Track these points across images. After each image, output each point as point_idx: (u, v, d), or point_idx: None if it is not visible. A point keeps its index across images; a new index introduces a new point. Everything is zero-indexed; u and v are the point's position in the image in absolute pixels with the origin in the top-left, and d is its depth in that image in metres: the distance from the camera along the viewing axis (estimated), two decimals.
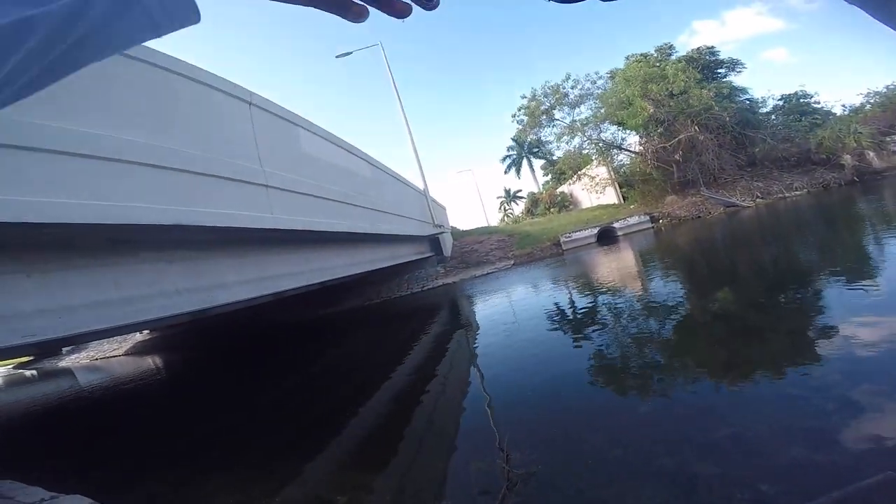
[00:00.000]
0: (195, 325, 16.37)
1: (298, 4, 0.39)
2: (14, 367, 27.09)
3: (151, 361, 14.13)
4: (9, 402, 10.58)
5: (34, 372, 21.08)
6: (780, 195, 17.82)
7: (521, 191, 47.08)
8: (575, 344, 4.84)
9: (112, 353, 20.88)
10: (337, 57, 17.18)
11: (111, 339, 20.87)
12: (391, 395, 4.71)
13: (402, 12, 0.40)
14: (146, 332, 20.16)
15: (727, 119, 18.59)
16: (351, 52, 17.18)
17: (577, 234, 17.37)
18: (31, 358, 26.50)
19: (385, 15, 0.40)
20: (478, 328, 7.20)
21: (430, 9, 0.41)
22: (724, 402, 2.78)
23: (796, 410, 2.44)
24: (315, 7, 0.39)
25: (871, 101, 32.10)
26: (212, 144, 4.06)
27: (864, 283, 4.57)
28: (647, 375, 3.55)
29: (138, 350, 19.76)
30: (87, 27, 0.29)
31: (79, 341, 16.35)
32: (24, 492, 2.60)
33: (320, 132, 7.35)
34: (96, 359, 21.25)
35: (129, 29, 0.32)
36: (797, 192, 17.81)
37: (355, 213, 8.30)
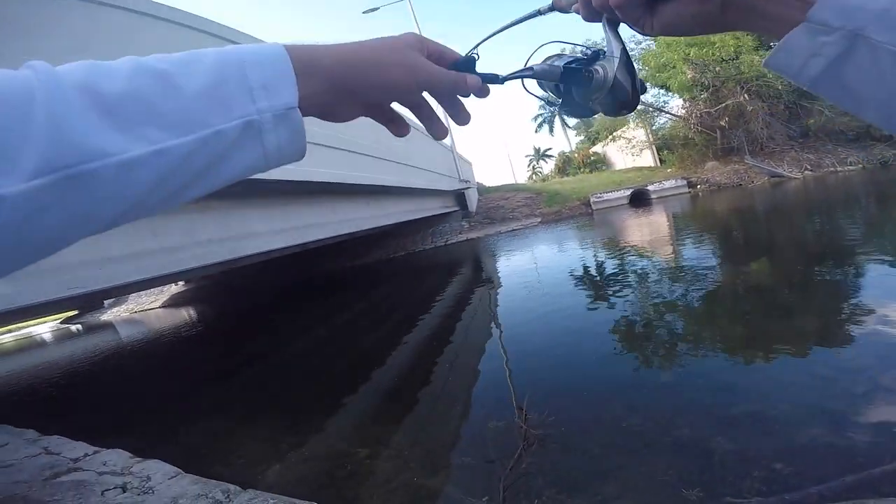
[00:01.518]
0: (226, 276, 17.15)
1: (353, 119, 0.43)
2: (61, 322, 28.36)
3: (186, 314, 14.93)
4: (56, 357, 11.43)
5: (79, 326, 22.11)
6: (832, 169, 16.46)
7: (550, 149, 45.38)
8: (598, 307, 4.78)
9: (150, 306, 21.91)
10: (364, 13, 16.43)
11: (149, 291, 21.83)
12: (413, 349, 4.87)
13: (440, 133, 0.51)
14: (181, 283, 21.01)
15: (781, 87, 16.99)
16: (378, 8, 16.40)
17: (609, 195, 16.80)
18: (75, 312, 27.71)
19: None
20: (500, 285, 7.24)
21: (482, 96, 0.44)
22: (747, 377, 2.74)
23: (821, 391, 2.39)
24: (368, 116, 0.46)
25: None
26: None
27: None
28: (671, 344, 3.51)
29: (175, 302, 20.70)
30: (211, 160, 0.31)
31: (120, 293, 17.25)
32: (68, 446, 2.84)
33: None
34: (135, 311, 22.30)
35: (242, 167, 0.33)
36: (851, 168, 16.36)
37: (383, 167, 8.24)
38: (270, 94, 0.31)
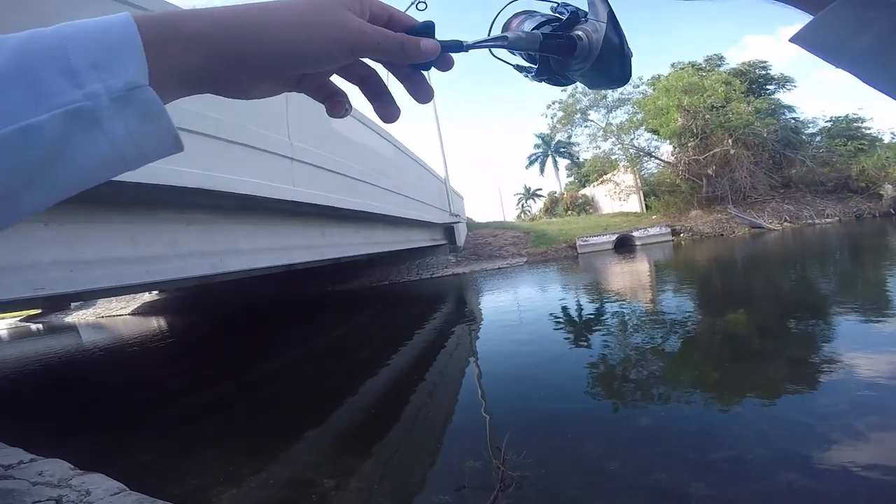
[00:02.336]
0: (204, 289, 16.73)
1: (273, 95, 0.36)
2: (21, 320, 27.44)
3: (156, 324, 14.44)
4: (9, 357, 10.88)
5: (40, 326, 21.41)
6: (810, 221, 17.24)
7: (540, 189, 46.57)
8: (579, 349, 4.81)
9: (119, 312, 21.24)
10: None
11: (120, 297, 21.21)
12: (389, 380, 4.75)
13: (391, 115, 0.40)
14: (155, 292, 20.49)
15: (766, 136, 17.81)
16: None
17: (595, 238, 17.13)
18: (38, 311, 26.74)
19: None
20: (482, 322, 7.18)
21: (445, 69, 0.38)
22: (725, 421, 2.75)
23: (796, 437, 2.42)
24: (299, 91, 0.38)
25: None
26: (243, 113, 4.08)
27: (877, 318, 4.53)
28: (649, 388, 3.51)
29: (146, 310, 20.11)
30: (30, 162, 0.25)
31: (88, 297, 16.74)
32: (2, 452, 2.64)
33: (353, 111, 7.34)
34: (102, 316, 21.57)
35: (90, 166, 0.27)
36: (828, 220, 17.20)
37: (376, 194, 8.32)
38: (103, 73, 0.25)
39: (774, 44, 76.98)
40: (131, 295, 21.05)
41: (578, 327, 5.88)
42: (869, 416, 2.51)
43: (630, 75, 0.39)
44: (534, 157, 42.41)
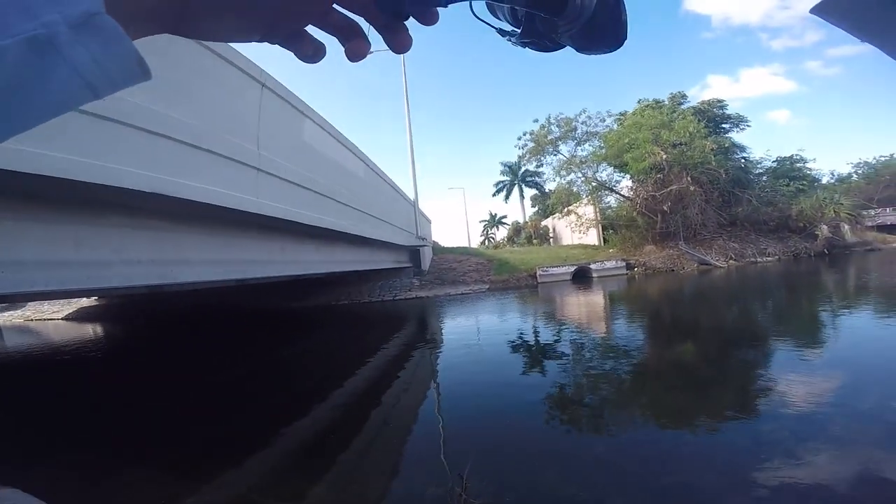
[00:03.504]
0: (150, 297, 15.68)
1: (244, 42, 0.35)
2: None
3: (92, 330, 13.34)
4: None
5: None
6: (752, 259, 18.57)
7: (505, 217, 47.75)
8: (535, 375, 4.90)
9: (52, 316, 19.94)
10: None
11: (54, 300, 19.77)
12: (345, 400, 4.57)
13: (360, 53, 0.36)
14: (94, 297, 19.18)
15: (721, 175, 18.67)
16: (372, 52, 17.32)
17: (554, 269, 17.61)
18: None
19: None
20: (442, 346, 7.13)
21: (428, 23, 0.36)
22: (676, 447, 2.86)
23: (744, 461, 2.52)
24: (268, 42, 0.35)
25: (859, 171, 34.21)
26: (211, 118, 3.95)
27: (809, 348, 5.06)
28: (604, 415, 3.62)
29: (81, 316, 18.81)
30: None
31: (20, 300, 15.39)
32: None
33: (326, 126, 7.29)
34: (31, 319, 20.20)
35: (56, 92, 0.27)
36: (768, 259, 18.60)
37: (343, 211, 8.20)
38: (59, 4, 0.26)
39: (732, 84, 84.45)
40: (66, 299, 19.64)
41: (537, 355, 5.96)
42: (808, 441, 2.68)
43: (625, 39, 0.36)
44: (500, 184, 43.56)
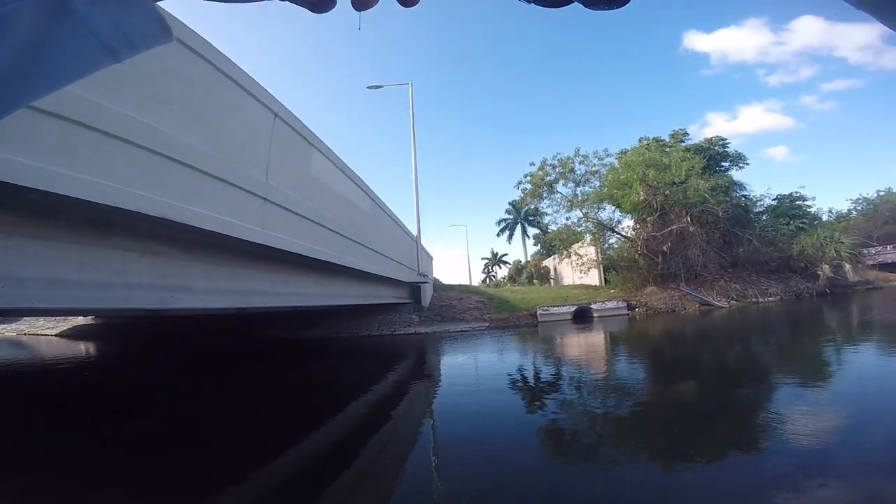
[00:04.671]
0: (147, 319, 15.48)
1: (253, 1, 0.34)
2: None
3: (84, 348, 13.08)
4: None
5: None
6: (754, 299, 18.34)
7: (507, 255, 47.91)
8: (538, 415, 4.75)
9: (46, 331, 19.88)
10: (368, 87, 17.99)
11: (50, 316, 19.80)
12: (337, 433, 4.41)
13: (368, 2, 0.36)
14: (91, 316, 19.08)
15: (720, 214, 18.51)
16: (382, 86, 17.98)
17: (555, 309, 17.43)
18: None
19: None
20: (440, 382, 6.95)
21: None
22: (678, 486, 2.77)
23: (749, 500, 2.47)
24: None
25: (858, 207, 34.37)
26: (223, 145, 4.05)
27: (811, 385, 5.03)
28: (603, 453, 3.55)
29: (76, 333, 18.72)
30: (9, 58, 0.25)
31: (17, 315, 15.30)
32: None
33: (334, 158, 7.43)
34: (25, 333, 20.19)
35: (74, 56, 0.27)
36: (770, 299, 18.37)
37: (346, 246, 8.22)
38: None
39: (730, 122, 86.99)
40: (64, 316, 19.67)
41: (538, 393, 5.80)
42: (812, 477, 2.61)
43: None
44: (504, 223, 44.00)
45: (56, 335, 19.09)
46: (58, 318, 20.34)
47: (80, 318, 19.68)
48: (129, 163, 2.85)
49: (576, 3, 0.36)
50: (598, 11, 0.37)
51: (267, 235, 4.92)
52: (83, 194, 2.49)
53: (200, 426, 5.02)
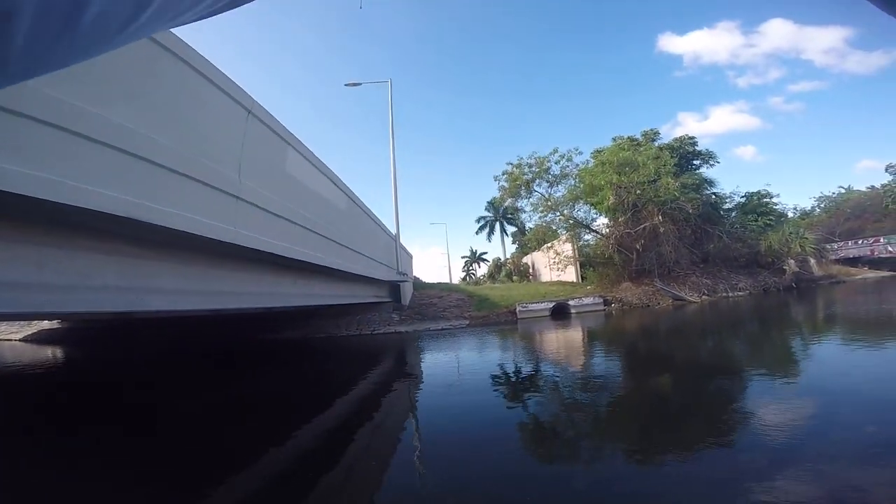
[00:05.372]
0: (115, 322, 14.93)
1: None
2: None
3: (51, 353, 12.53)
4: None
5: None
6: (724, 294, 19.06)
7: (486, 253, 48.24)
8: (517, 411, 4.82)
9: (9, 336, 19.25)
10: (346, 85, 17.65)
11: (12, 321, 18.95)
12: (317, 435, 4.36)
13: None
14: (56, 320, 18.34)
15: (690, 211, 19.09)
16: (360, 84, 17.75)
17: (534, 305, 17.67)
18: None
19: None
20: (422, 380, 6.96)
21: None
22: (657, 480, 2.84)
23: (724, 494, 2.54)
24: None
25: (821, 205, 36.01)
26: (194, 143, 3.94)
27: (778, 378, 5.22)
28: (583, 449, 3.61)
29: (42, 338, 17.99)
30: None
31: None
32: None
33: (309, 156, 7.32)
34: None
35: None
36: (739, 293, 19.12)
37: (323, 245, 8.12)
38: None
39: (701, 122, 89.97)
40: (27, 320, 18.86)
41: (517, 390, 5.88)
42: (786, 469, 2.71)
43: None
44: (483, 221, 44.26)
45: (20, 339, 18.39)
46: (19, 323, 19.50)
47: (46, 322, 18.93)
48: (92, 160, 2.74)
49: None
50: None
51: (239, 235, 4.81)
52: (42, 194, 2.39)
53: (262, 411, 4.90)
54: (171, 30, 3.46)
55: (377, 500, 2.95)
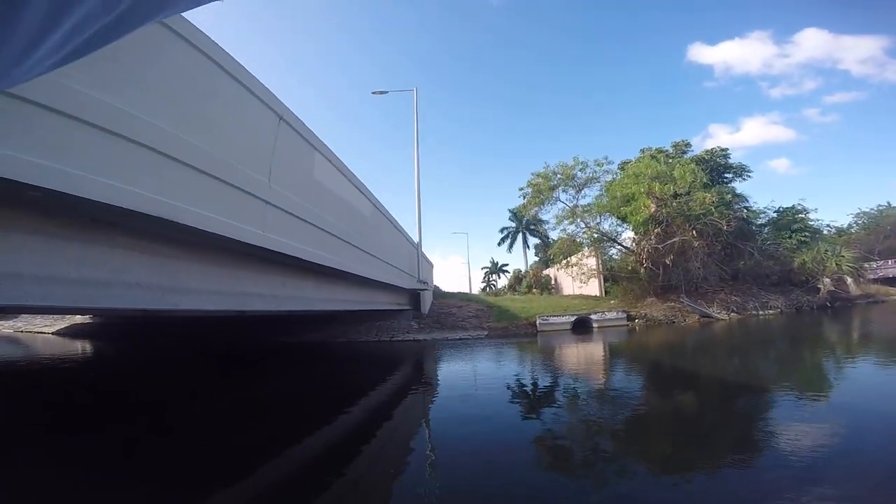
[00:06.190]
0: (144, 319, 15.44)
1: None
2: None
3: (81, 347, 13.03)
4: None
5: None
6: (754, 312, 18.23)
7: (507, 264, 47.84)
8: (535, 425, 4.75)
9: (43, 329, 19.90)
10: (373, 93, 17.97)
11: (47, 314, 19.80)
12: (329, 441, 4.36)
13: None
14: (89, 315, 19.11)
15: (723, 227, 18.24)
16: (387, 92, 18.06)
17: (554, 318, 17.37)
18: None
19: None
20: (438, 390, 6.90)
21: None
22: (674, 499, 2.76)
23: None
24: None
25: (859, 221, 34.27)
26: (226, 147, 4.05)
27: (807, 398, 5.04)
28: (600, 465, 3.51)
29: (74, 332, 18.75)
30: None
31: (11, 311, 15.33)
32: None
33: (336, 162, 7.44)
34: (21, 331, 20.26)
35: None
36: (770, 311, 18.26)
37: (347, 251, 8.21)
38: None
39: (733, 133, 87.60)
40: (62, 314, 19.73)
41: (535, 405, 5.75)
42: (809, 489, 2.61)
43: None
44: (506, 231, 43.99)
45: (52, 333, 19.10)
46: (55, 316, 20.37)
47: (79, 316, 19.71)
48: (130, 161, 2.85)
49: None
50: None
51: (267, 238, 4.91)
52: (80, 191, 2.49)
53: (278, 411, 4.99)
54: (209, 35, 3.59)
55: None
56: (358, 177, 8.92)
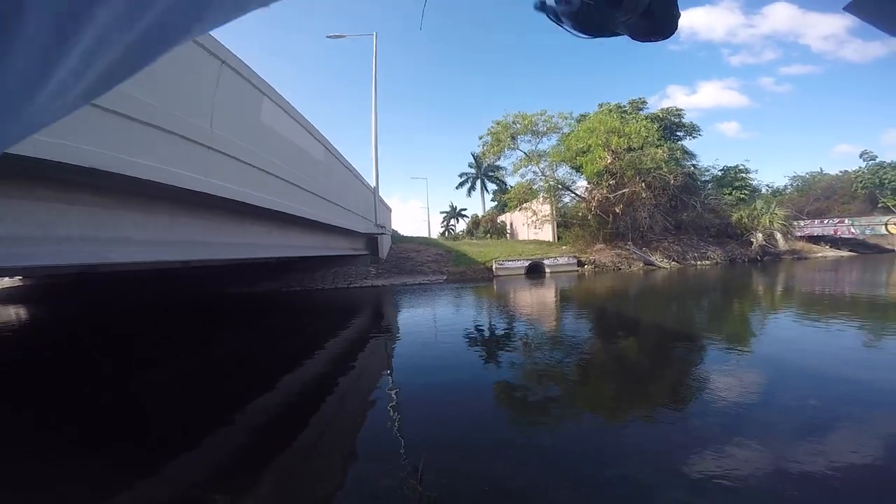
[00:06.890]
0: (83, 277, 14.42)
1: None
2: None
3: (14, 312, 12.08)
4: None
5: None
6: (692, 262, 19.92)
7: (466, 209, 48.09)
8: (489, 367, 5.06)
9: None
10: (328, 37, 16.59)
11: None
12: (293, 391, 4.48)
13: None
14: (17, 278, 17.47)
15: (671, 181, 19.64)
16: (344, 36, 16.70)
17: (510, 263, 18.03)
18: None
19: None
20: (398, 336, 7.12)
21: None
22: (616, 441, 3.04)
23: (677, 457, 2.71)
24: None
25: (794, 184, 37.60)
26: (162, 94, 3.66)
27: (734, 348, 5.56)
28: (551, 407, 3.79)
29: (2, 297, 17.01)
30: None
31: None
32: None
33: (286, 107, 6.98)
34: None
35: None
36: (707, 262, 20.01)
37: (300, 196, 7.91)
38: None
39: (689, 96, 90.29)
40: None
41: (491, 348, 6.09)
42: (735, 434, 2.93)
43: (676, 29, 0.38)
44: (465, 177, 43.68)
45: None
46: None
47: (7, 279, 18.00)
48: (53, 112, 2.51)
49: (624, 35, 0.40)
50: (645, 43, 0.43)
51: (210, 184, 4.62)
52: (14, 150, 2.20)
53: (238, 365, 4.90)
54: None
55: (355, 450, 3.09)
56: (311, 121, 8.41)
